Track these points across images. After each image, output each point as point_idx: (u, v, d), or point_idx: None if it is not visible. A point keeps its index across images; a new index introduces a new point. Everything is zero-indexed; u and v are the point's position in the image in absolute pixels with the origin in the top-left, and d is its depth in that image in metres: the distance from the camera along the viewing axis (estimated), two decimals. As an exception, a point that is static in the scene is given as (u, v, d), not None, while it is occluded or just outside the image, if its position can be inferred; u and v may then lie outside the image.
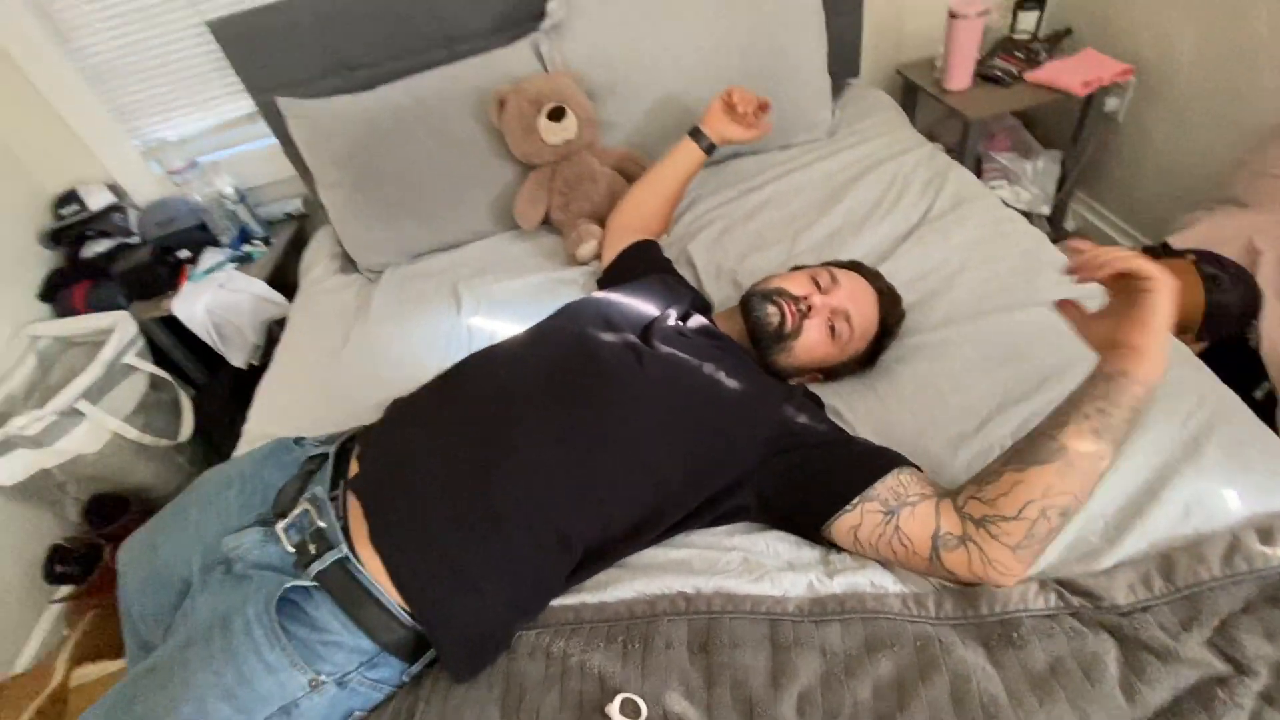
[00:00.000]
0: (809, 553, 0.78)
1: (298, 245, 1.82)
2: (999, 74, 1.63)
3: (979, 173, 1.79)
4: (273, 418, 1.17)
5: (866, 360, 0.99)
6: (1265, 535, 0.66)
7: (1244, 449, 0.75)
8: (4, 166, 1.65)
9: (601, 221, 1.38)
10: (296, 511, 0.79)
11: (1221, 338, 1.10)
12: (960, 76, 1.62)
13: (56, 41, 1.57)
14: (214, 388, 1.82)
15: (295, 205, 1.88)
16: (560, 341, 0.89)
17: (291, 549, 0.76)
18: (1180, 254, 1.15)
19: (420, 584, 0.73)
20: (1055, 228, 1.86)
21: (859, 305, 0.94)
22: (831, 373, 1.00)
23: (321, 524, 0.77)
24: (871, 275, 1.01)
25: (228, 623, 0.71)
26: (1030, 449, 0.69)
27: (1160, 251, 1.21)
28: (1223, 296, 1.07)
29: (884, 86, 1.78)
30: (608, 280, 1.17)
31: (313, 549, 0.75)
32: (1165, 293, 0.65)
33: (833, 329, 0.93)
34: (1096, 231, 1.86)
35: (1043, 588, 0.68)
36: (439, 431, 0.82)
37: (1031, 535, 0.66)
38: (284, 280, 1.74)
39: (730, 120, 1.24)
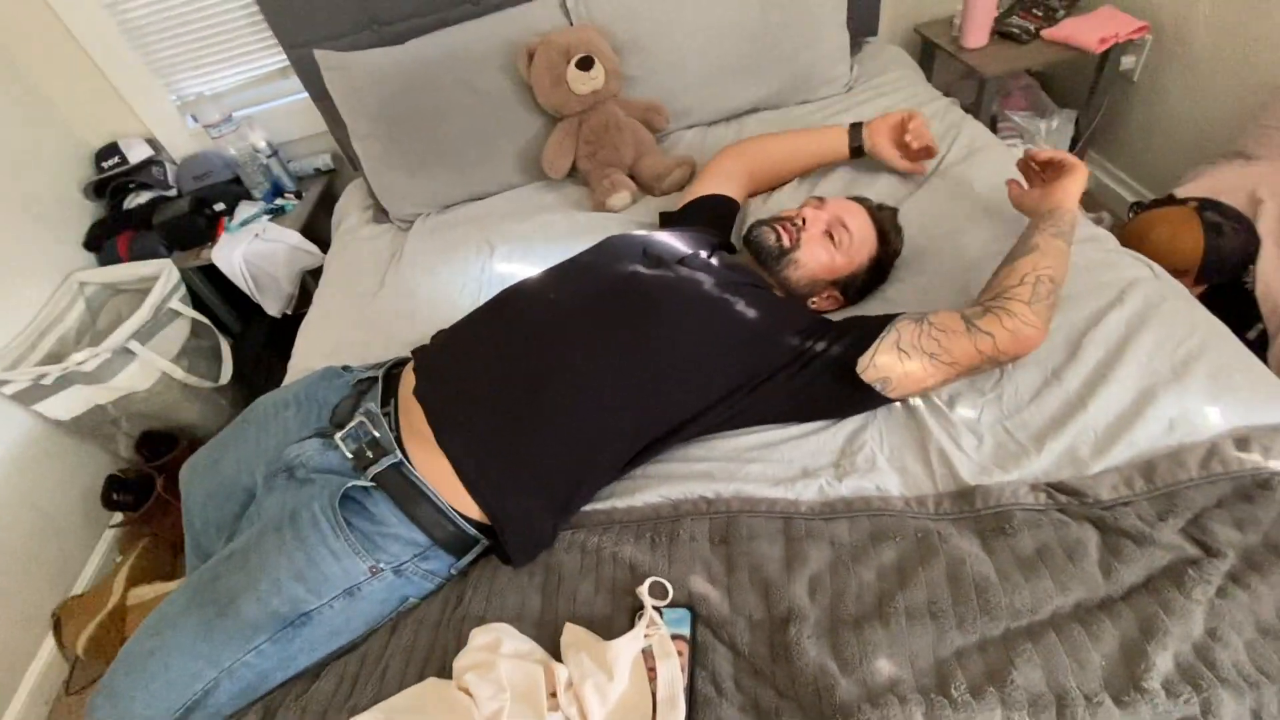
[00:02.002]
0: (822, 459, 0.85)
1: (327, 200, 1.88)
2: (1016, 31, 1.65)
3: (994, 131, 1.81)
4: (316, 354, 1.25)
5: (876, 273, 1.05)
6: (1242, 443, 0.72)
7: (1230, 374, 0.81)
8: (46, 119, 1.72)
9: (627, 171, 1.43)
10: (353, 424, 0.87)
11: (1219, 281, 1.15)
12: (978, 34, 1.64)
13: (97, -5, 1.62)
14: (250, 335, 1.90)
15: (324, 160, 1.94)
16: (603, 266, 0.96)
17: (350, 455, 0.84)
18: (1182, 202, 1.19)
19: (485, 480, 0.81)
20: (1067, 187, 1.89)
21: (851, 215, 1.02)
22: (845, 289, 1.05)
23: (376, 434, 0.85)
24: (855, 198, 1.08)
25: (296, 515, 0.79)
26: (1011, 255, 0.90)
27: (1165, 201, 1.25)
28: (1222, 242, 1.11)
29: (902, 45, 1.80)
30: (671, 218, 1.22)
31: (369, 455, 0.83)
32: (1080, 168, 0.98)
33: (831, 236, 1.00)
34: (1106, 190, 1.88)
35: (1033, 489, 0.74)
36: (494, 347, 0.90)
37: (1036, 294, 0.83)
38: (314, 234, 1.80)
39: (892, 141, 1.22)
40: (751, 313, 0.91)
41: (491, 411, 0.85)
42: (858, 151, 1.24)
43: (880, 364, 0.84)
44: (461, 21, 1.51)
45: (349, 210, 1.65)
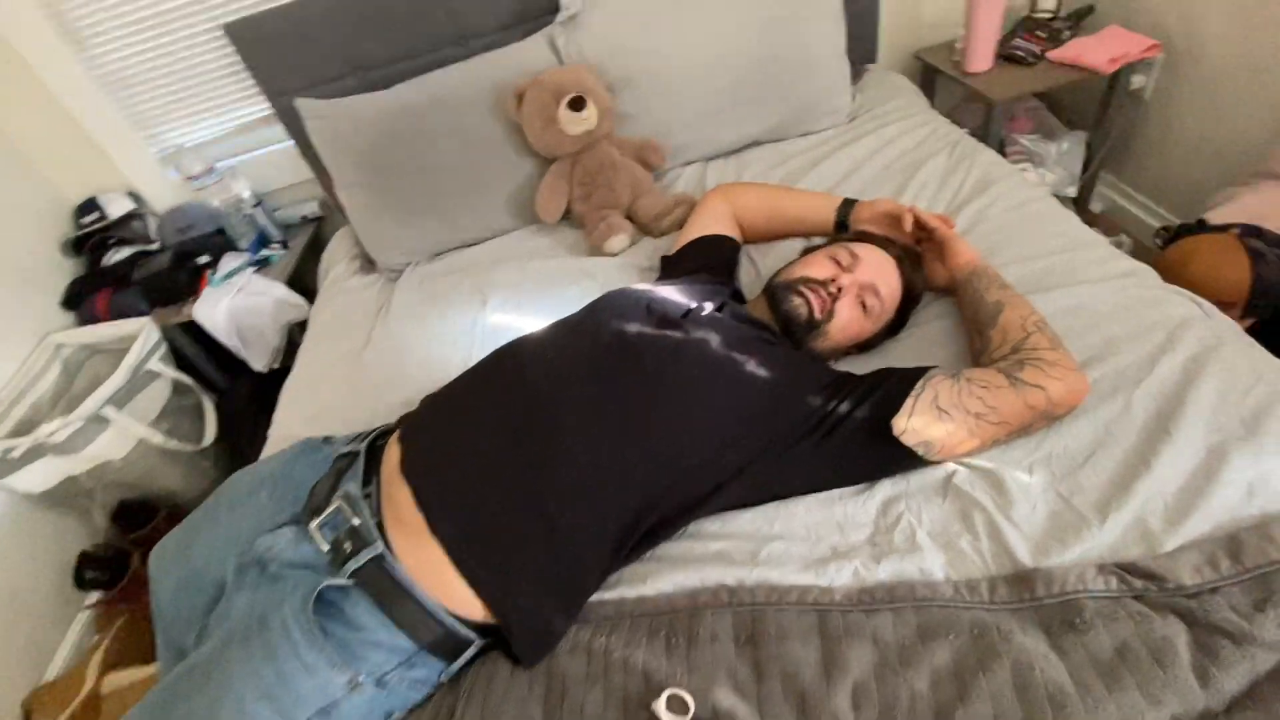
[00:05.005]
0: (854, 535, 0.76)
1: (315, 248, 1.82)
2: (1021, 54, 1.60)
3: (1003, 155, 1.75)
4: (298, 419, 1.16)
5: (896, 327, 1.00)
6: (1338, 513, 0.63)
7: (1307, 425, 0.72)
8: (24, 175, 1.66)
9: (624, 212, 1.36)
10: (330, 509, 0.78)
11: (1267, 315, 1.07)
12: (981, 58, 1.59)
13: (73, 48, 1.57)
14: (236, 392, 1.82)
15: (311, 208, 1.88)
16: (604, 326, 0.88)
17: (326, 548, 0.76)
18: (1222, 229, 1.11)
19: (487, 571, 0.72)
20: (1081, 210, 1.82)
21: (884, 276, 0.95)
22: (864, 347, 0.99)
23: (355, 521, 0.76)
24: (883, 242, 1.01)
25: (265, 622, 0.70)
26: (981, 322, 0.88)
27: (1197, 228, 1.18)
28: (1269, 270, 1.03)
29: (902, 71, 1.76)
30: (671, 263, 1.15)
31: (348, 547, 0.75)
32: (952, 235, 1.01)
33: (864, 304, 0.93)
34: (1124, 212, 1.82)
35: (1101, 570, 0.65)
36: (488, 417, 0.81)
37: (1053, 340, 0.81)
38: (302, 284, 1.74)
39: (880, 228, 1.08)
40: (767, 372, 0.83)
41: (488, 492, 0.76)
42: (843, 227, 1.12)
43: (918, 426, 0.76)
44: (448, 64, 1.46)
45: (336, 260, 1.58)
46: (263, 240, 1.79)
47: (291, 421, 1.17)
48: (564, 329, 0.93)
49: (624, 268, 1.28)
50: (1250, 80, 1.42)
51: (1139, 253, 1.70)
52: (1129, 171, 1.79)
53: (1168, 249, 1.13)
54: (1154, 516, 0.69)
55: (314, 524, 0.78)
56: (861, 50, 1.61)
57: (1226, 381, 0.78)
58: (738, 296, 1.09)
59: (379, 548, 0.74)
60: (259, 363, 1.70)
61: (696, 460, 0.77)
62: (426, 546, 0.73)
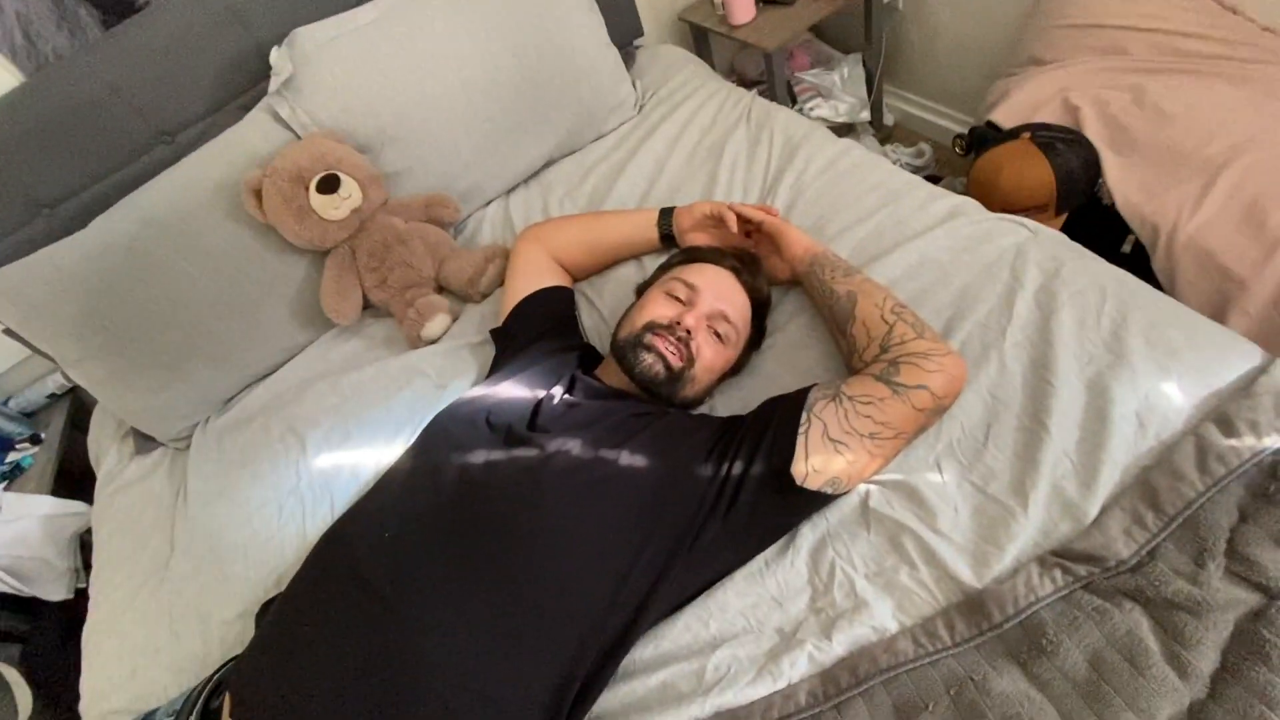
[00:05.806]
0: (795, 606, 0.68)
1: (81, 424, 1.47)
2: (778, -5, 1.56)
3: (793, 96, 1.74)
4: (111, 684, 0.91)
5: (757, 340, 0.93)
6: (1225, 426, 0.63)
7: (1164, 332, 0.73)
8: None
9: (433, 285, 1.19)
10: None
11: (1075, 204, 1.11)
12: (743, 9, 1.54)
13: None
14: (42, 634, 1.46)
15: (57, 380, 1.51)
16: (440, 472, 0.73)
17: None
18: (1014, 134, 1.13)
19: None
20: (878, 129, 1.86)
21: (727, 297, 0.87)
22: (735, 370, 0.91)
23: None
24: (714, 256, 0.92)
25: None
26: (840, 317, 0.81)
27: (991, 135, 1.20)
28: (1066, 163, 1.07)
29: (672, 38, 1.67)
30: (504, 336, 1.00)
31: None
32: (781, 224, 0.93)
33: (718, 334, 0.85)
34: (917, 121, 1.87)
35: (1043, 565, 0.61)
36: (328, 649, 0.64)
37: (916, 325, 0.76)
38: (80, 470, 1.40)
39: (704, 231, 1.00)
40: (645, 459, 0.72)
41: None
42: (668, 239, 1.03)
43: (818, 466, 0.69)
44: (156, 173, 1.17)
45: (103, 448, 1.27)
46: (4, 444, 1.41)
47: (104, 690, 0.91)
48: (398, 485, 0.77)
49: (454, 352, 1.11)
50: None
51: (940, 155, 1.77)
52: (907, 81, 1.84)
53: (975, 168, 1.14)
54: (1067, 481, 0.66)
55: None
56: (625, 29, 1.50)
57: (1078, 305, 0.77)
58: (587, 356, 0.96)
59: None
60: (55, 593, 1.36)
61: (599, 607, 0.65)
62: None
